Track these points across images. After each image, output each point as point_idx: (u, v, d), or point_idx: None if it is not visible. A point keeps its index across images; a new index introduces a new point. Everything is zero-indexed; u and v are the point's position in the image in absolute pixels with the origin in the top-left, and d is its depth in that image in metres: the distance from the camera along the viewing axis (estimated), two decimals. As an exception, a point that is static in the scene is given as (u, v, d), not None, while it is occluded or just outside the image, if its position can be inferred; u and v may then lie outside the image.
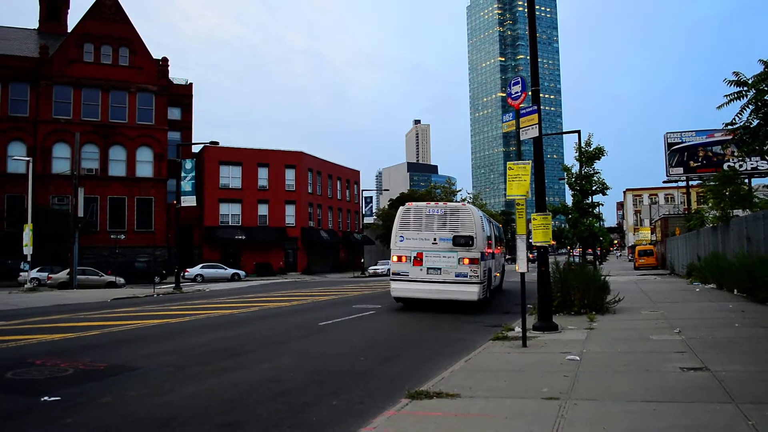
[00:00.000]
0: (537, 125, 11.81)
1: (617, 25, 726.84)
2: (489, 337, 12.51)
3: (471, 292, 17.59)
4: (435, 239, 17.95)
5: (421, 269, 17.92)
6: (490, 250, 18.87)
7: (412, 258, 18.13)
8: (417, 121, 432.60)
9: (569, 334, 12.40)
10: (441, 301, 18.28)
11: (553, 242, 19.88)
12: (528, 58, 13.62)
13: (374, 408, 7.08)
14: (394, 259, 18.73)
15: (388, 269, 57.87)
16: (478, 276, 17.62)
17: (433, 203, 18.31)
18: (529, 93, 12.27)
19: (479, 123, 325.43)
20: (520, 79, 11.98)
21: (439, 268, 17.87)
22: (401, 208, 18.73)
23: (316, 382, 8.82)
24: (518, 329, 12.61)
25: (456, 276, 17.70)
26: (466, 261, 17.65)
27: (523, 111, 12.00)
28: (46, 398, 7.87)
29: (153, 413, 7.18)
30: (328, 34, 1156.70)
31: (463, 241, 17.69)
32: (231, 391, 8.31)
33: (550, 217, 12.89)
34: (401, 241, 18.52)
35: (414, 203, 18.30)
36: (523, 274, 11.42)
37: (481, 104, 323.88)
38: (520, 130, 11.89)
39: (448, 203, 18.07)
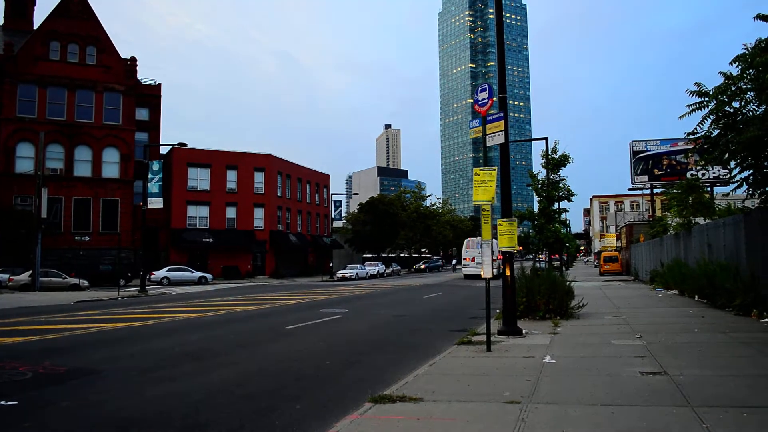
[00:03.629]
0: (503, 132, 11.95)
1: (587, 35, 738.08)
2: (454, 341, 12.58)
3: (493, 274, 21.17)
4: (478, 251, 22.34)
5: (472, 263, 25.16)
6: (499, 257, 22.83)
7: (470, 258, 24.39)
8: (387, 126, 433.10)
9: (533, 339, 12.54)
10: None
11: (519, 248, 20.40)
12: (497, 65, 13.74)
13: (337, 412, 7.08)
14: (466, 260, 49.55)
15: (356, 273, 58.41)
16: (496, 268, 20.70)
17: (477, 238, 23.84)
18: (496, 99, 12.40)
19: (449, 129, 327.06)
20: (487, 86, 12.10)
21: (479, 263, 21.30)
22: (467, 240, 38.69)
23: (280, 386, 8.80)
24: (483, 334, 12.72)
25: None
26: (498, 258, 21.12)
27: (490, 118, 12.12)
28: (2, 402, 7.73)
29: (114, 417, 7.10)
30: (299, 37, 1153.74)
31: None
32: (194, 394, 8.25)
33: (516, 222, 13.04)
34: (466, 252, 47.70)
35: (471, 238, 27.31)
36: (488, 280, 11.52)
37: (451, 110, 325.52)
38: (487, 137, 12.00)
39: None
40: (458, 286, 40.90)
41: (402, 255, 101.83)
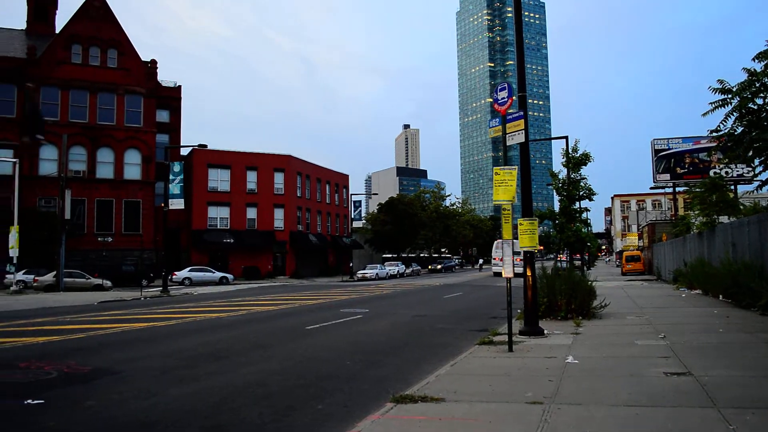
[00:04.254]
0: (523, 131, 11.88)
1: (607, 32, 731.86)
2: (475, 341, 12.53)
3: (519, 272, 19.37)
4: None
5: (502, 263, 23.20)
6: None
7: (499, 258, 23.90)
8: (406, 126, 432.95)
9: (555, 339, 12.46)
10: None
11: (540, 247, 20.17)
12: (516, 63, 13.64)
13: (359, 412, 7.08)
14: (495, 259, 52.75)
15: (376, 273, 58.49)
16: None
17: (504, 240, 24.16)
18: (516, 98, 12.34)
19: (468, 128, 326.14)
20: (506, 85, 12.03)
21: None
22: (497, 240, 27.62)
23: (301, 385, 8.81)
24: (504, 334, 12.66)
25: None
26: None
27: (510, 116, 12.06)
28: (29, 401, 7.82)
29: (137, 417, 7.15)
30: (318, 38, 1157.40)
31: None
32: (216, 394, 8.29)
33: (537, 222, 12.96)
34: (496, 251, 48.49)
35: (499, 240, 25.18)
36: (509, 279, 11.46)
37: (470, 109, 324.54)
38: (507, 136, 11.94)
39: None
40: (479, 285, 40.77)
41: (422, 255, 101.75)
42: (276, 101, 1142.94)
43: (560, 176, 30.20)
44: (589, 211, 32.68)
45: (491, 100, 14.28)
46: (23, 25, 59.43)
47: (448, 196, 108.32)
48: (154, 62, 55.75)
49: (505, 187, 10.90)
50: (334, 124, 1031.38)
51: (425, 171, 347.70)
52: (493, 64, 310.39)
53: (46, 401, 7.87)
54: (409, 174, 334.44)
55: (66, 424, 6.88)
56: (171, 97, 58.79)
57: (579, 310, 16.04)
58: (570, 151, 28.54)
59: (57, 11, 60.59)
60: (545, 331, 13.16)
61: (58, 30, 55.66)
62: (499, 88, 12.05)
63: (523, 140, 12.03)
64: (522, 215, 12.90)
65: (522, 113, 12.10)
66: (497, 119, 12.25)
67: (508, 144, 12.00)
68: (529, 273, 13.22)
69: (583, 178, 28.97)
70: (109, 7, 53.85)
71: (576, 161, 28.33)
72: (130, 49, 54.21)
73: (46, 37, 55.67)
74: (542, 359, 10.07)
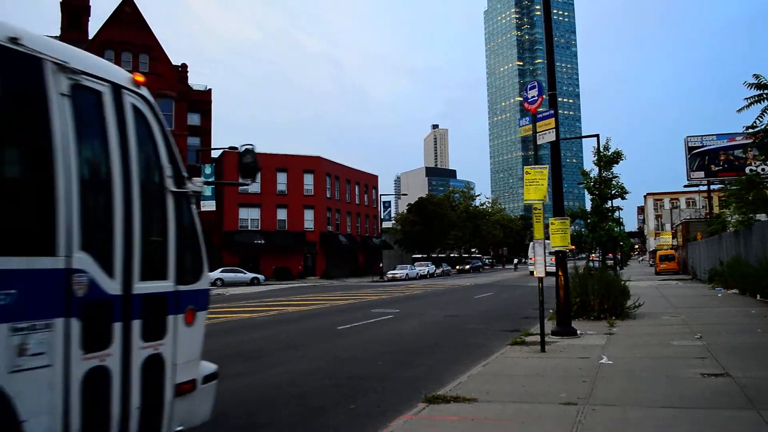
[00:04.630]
0: (554, 129, 11.76)
1: (636, 28, 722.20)
2: (507, 342, 12.46)
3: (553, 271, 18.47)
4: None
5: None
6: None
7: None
8: (435, 126, 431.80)
9: (588, 340, 12.32)
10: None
11: (572, 247, 19.98)
12: (546, 62, 13.53)
13: (391, 412, 7.07)
14: (532, 259, 33.32)
15: (406, 274, 58.39)
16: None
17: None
18: (546, 97, 12.23)
19: (497, 127, 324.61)
20: (536, 83, 11.93)
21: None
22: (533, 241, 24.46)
23: (333, 385, 8.84)
24: (537, 334, 12.57)
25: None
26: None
27: (540, 115, 11.95)
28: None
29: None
30: (345, 39, 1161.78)
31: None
32: (247, 394, 8.36)
33: (569, 221, 12.84)
34: (532, 251, 33.22)
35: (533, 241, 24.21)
36: (540, 279, 11.36)
37: (499, 108, 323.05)
38: (537, 135, 11.83)
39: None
40: (510, 285, 40.52)
41: (451, 255, 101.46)
42: (305, 103, 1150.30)
43: (591, 175, 29.90)
44: (622, 209, 32.19)
45: (520, 98, 14.20)
46: (58, 32, 60.63)
47: (478, 195, 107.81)
48: (184, 66, 56.48)
49: (536, 187, 10.81)
50: (362, 125, 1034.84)
51: (454, 171, 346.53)
52: (521, 63, 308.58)
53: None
54: (438, 174, 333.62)
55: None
56: (202, 101, 59.47)
57: (612, 310, 15.82)
58: (601, 149, 28.21)
59: (90, 18, 61.69)
60: (578, 332, 13.02)
61: (91, 36, 56.70)
62: (528, 86, 11.95)
63: (553, 139, 11.91)
64: (553, 214, 12.79)
65: (552, 112, 11.99)
66: (527, 118, 12.15)
67: (538, 143, 11.90)
68: (561, 273, 13.09)
69: (615, 177, 28.65)
70: (140, 13, 54.68)
71: (608, 159, 27.98)
72: (161, 53, 54.99)
73: (79, 44, 56.57)
74: (575, 359, 9.97)
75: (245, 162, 6.10)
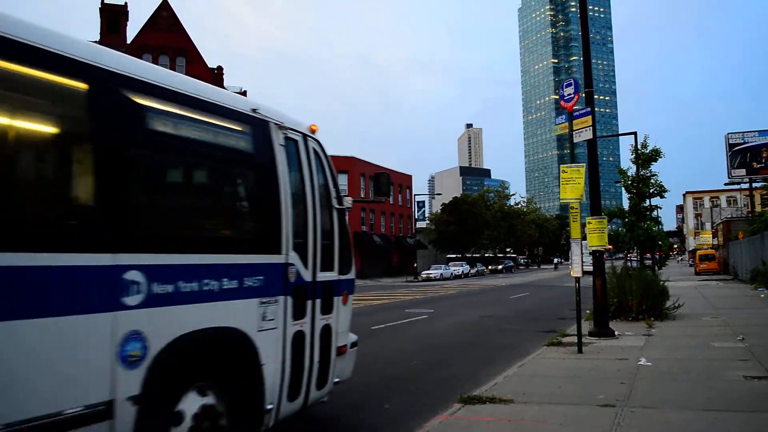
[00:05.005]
0: (591, 127, 11.61)
1: (674, 24, 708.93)
2: (543, 342, 12.34)
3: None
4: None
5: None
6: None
7: None
8: (469, 125, 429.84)
9: (626, 341, 12.14)
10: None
11: (609, 246, 19.71)
12: (581, 59, 13.35)
13: (426, 412, 7.04)
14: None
15: (441, 273, 58.00)
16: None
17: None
18: (583, 95, 12.07)
19: (532, 126, 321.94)
20: (572, 81, 11.77)
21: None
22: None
23: (367, 385, 8.84)
24: (573, 335, 12.44)
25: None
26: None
27: (577, 113, 11.81)
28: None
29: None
30: (377, 39, 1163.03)
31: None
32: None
33: (606, 220, 12.66)
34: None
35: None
36: (578, 279, 11.21)
37: (534, 107, 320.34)
38: (574, 133, 11.68)
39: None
40: (546, 286, 40.14)
41: (486, 255, 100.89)
42: (339, 103, 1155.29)
43: (629, 173, 29.45)
44: (660, 208, 31.61)
45: (556, 96, 14.04)
46: (97, 37, 61.86)
47: (513, 195, 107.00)
48: (220, 68, 57.20)
49: (572, 185, 10.66)
50: (396, 125, 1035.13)
51: (488, 170, 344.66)
52: (557, 60, 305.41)
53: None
54: (473, 173, 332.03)
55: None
56: (237, 103, 60.09)
57: (651, 310, 15.54)
58: (639, 147, 27.75)
59: (128, 22, 62.80)
60: (616, 333, 12.84)
61: (129, 40, 57.76)
62: (565, 84, 11.81)
63: (590, 137, 11.77)
64: (590, 214, 12.61)
65: (589, 109, 11.83)
66: (563, 116, 12.02)
67: (575, 141, 11.76)
68: (598, 273, 12.91)
69: (654, 175, 28.14)
70: (176, 16, 55.52)
71: (646, 157, 27.52)
72: (197, 56, 55.76)
73: (118, 48, 57.32)
74: (613, 361, 9.83)
75: (380, 182, 7.90)
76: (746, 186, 52.17)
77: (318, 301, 5.89)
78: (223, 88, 55.18)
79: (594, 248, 12.39)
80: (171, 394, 4.33)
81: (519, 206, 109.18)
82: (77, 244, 3.76)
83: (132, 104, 4.32)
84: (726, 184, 53.95)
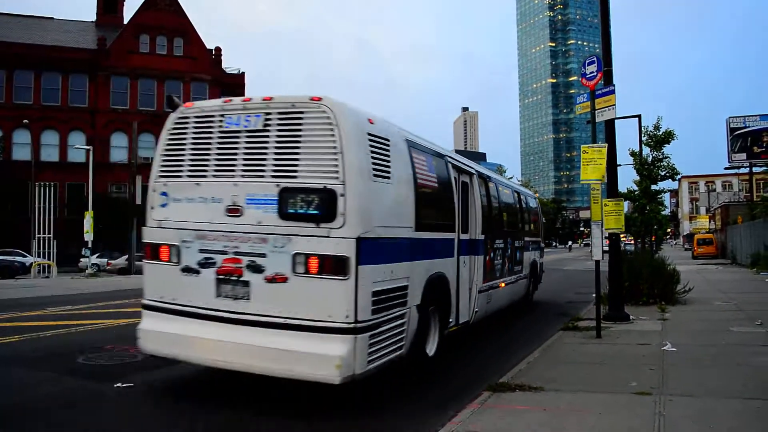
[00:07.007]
0: (614, 107, 11.26)
1: (673, 6, 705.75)
2: (557, 326, 12.11)
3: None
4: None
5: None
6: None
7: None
8: (465, 109, 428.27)
9: (643, 325, 11.93)
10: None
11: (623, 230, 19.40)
12: (578, 42, 13.00)
13: (452, 402, 6.70)
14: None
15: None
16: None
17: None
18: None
19: (528, 110, 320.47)
20: (595, 58, 11.42)
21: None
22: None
23: (385, 371, 8.58)
24: (587, 319, 12.22)
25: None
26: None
27: (600, 91, 11.46)
28: (118, 384, 7.83)
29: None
30: (375, 23, 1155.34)
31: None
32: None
33: (623, 202, 12.39)
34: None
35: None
36: (597, 262, 10.94)
37: (530, 90, 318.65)
38: (596, 112, 11.34)
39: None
40: (549, 269, 39.88)
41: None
42: (336, 86, 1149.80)
43: (642, 155, 29.36)
44: (669, 191, 31.49)
45: (552, 80, 13.73)
46: (94, 17, 60.98)
47: (510, 179, 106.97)
48: (218, 50, 56.49)
49: (594, 166, 10.34)
50: (392, 108, 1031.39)
51: (484, 154, 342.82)
52: (554, 44, 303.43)
53: (135, 384, 7.88)
54: (469, 157, 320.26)
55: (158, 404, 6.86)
56: (235, 84, 59.37)
57: (662, 295, 15.34)
58: (652, 128, 27.43)
59: (125, 2, 61.95)
60: (631, 317, 12.63)
61: (125, 20, 56.95)
62: (587, 61, 11.46)
63: (613, 116, 11.43)
64: (607, 195, 12.33)
65: (612, 88, 11.44)
66: (585, 95, 11.69)
67: (597, 121, 11.44)
68: (614, 256, 12.67)
69: (666, 157, 27.86)
70: (174, -4, 54.68)
71: (658, 139, 27.19)
72: (196, 37, 55.03)
73: (115, 28, 56.91)
74: (635, 346, 9.61)
75: None
76: (746, 170, 52.08)
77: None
78: (222, 69, 54.39)
79: (610, 231, 12.12)
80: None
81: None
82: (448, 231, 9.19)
83: (482, 181, 11.03)
84: (726, 169, 53.78)
